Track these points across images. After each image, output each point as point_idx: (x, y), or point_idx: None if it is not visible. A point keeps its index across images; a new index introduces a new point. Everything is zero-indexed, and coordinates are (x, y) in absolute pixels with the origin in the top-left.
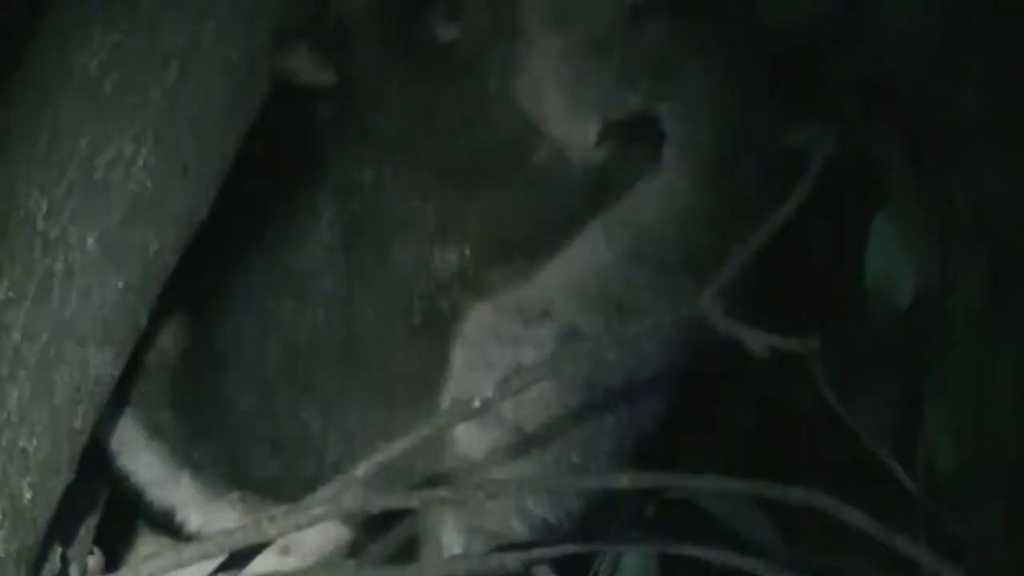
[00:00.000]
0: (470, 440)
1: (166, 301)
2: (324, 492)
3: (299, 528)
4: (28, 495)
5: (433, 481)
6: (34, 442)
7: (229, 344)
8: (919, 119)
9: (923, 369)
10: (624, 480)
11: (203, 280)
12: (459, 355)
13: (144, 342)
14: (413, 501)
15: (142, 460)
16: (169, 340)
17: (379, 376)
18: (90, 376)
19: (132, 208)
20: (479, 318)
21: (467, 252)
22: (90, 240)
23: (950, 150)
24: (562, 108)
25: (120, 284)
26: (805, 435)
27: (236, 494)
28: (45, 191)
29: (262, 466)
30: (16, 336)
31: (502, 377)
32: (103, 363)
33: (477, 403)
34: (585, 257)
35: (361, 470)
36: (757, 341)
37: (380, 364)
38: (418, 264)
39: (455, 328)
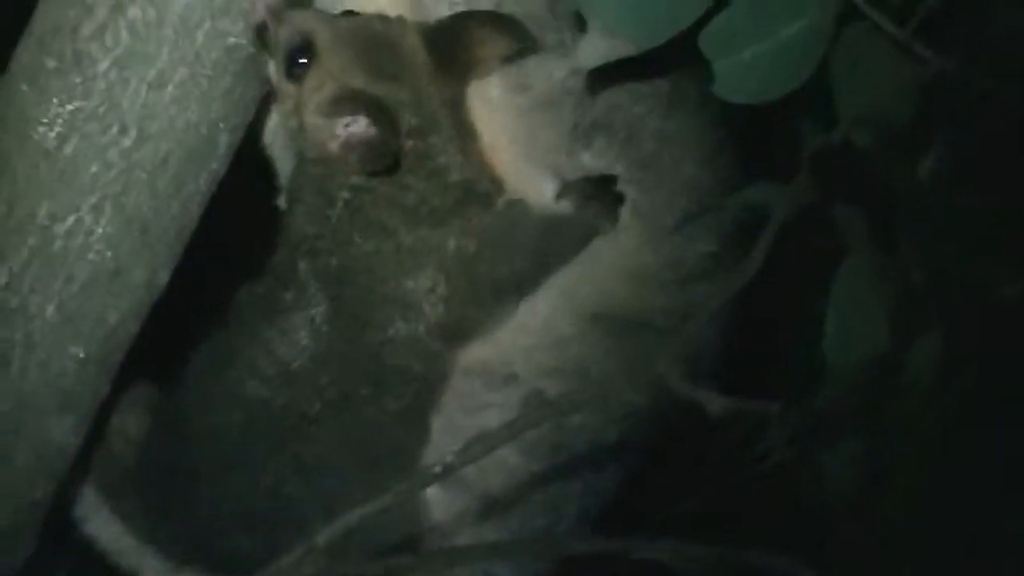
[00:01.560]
0: (439, 506)
1: (129, 381)
2: (286, 560)
3: None
4: None
5: (408, 547)
6: None
7: (205, 429)
8: (877, 186)
9: (882, 429)
10: (583, 545)
11: (168, 361)
12: (434, 425)
13: (107, 425)
14: (377, 568)
15: (107, 532)
16: (132, 424)
17: (369, 452)
18: (51, 447)
19: (92, 277)
20: (450, 387)
21: (444, 298)
22: (50, 310)
23: (906, 218)
24: (518, 167)
25: (80, 354)
26: (770, 494)
27: (201, 566)
28: (4, 261)
29: (235, 540)
30: None
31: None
32: (64, 433)
33: (438, 469)
34: (545, 318)
35: (323, 537)
36: (715, 404)
37: (370, 441)
38: (408, 339)
39: (436, 400)
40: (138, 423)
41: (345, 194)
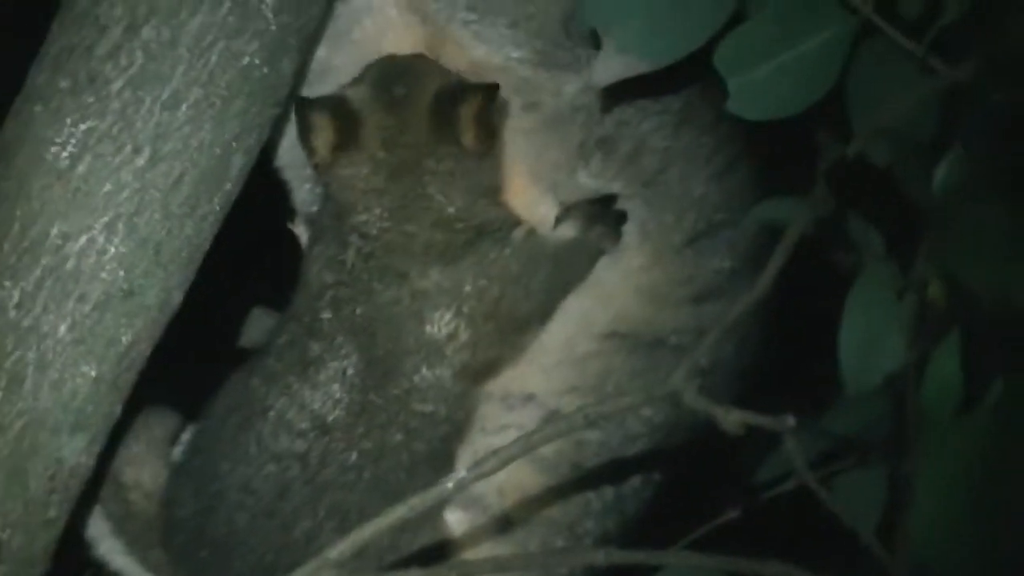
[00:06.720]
0: (458, 527)
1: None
2: (298, 573)
3: None
4: None
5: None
6: (7, 532)
7: (236, 484)
8: (893, 200)
9: (902, 447)
10: (599, 556)
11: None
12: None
13: (122, 477)
14: None
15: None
16: (147, 476)
17: (402, 495)
18: (64, 466)
19: (104, 297)
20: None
21: (469, 343)
22: (62, 329)
23: (923, 230)
24: (525, 190)
25: (93, 373)
26: (790, 514)
27: None
28: (17, 280)
29: None
30: None
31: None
32: (77, 452)
33: (450, 485)
34: (561, 339)
35: (335, 552)
36: (731, 419)
37: (403, 484)
38: (434, 385)
39: (462, 436)
40: (153, 476)
41: (356, 240)
